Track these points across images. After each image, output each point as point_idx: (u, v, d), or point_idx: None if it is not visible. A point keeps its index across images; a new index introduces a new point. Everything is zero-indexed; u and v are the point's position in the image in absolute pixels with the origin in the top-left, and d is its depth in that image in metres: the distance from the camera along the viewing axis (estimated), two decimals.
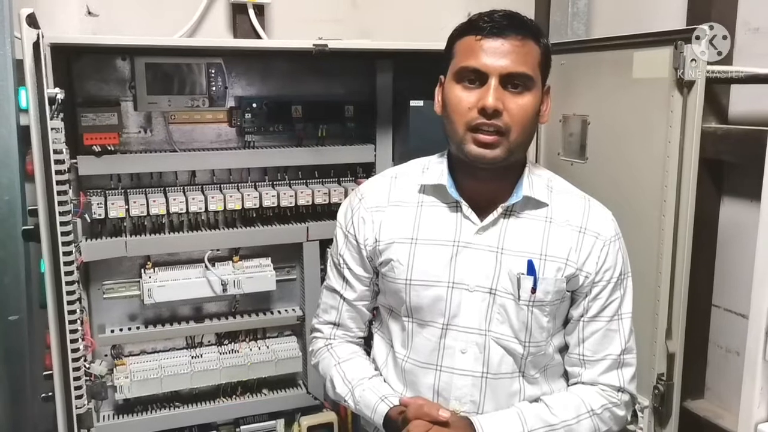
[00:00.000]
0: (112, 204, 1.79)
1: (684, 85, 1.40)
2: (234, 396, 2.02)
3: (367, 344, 1.44)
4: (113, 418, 1.92)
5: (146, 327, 1.95)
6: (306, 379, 2.07)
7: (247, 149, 1.95)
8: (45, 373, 1.44)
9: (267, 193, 1.92)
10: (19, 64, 1.46)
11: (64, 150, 1.38)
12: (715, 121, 1.70)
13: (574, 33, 2.12)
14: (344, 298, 1.39)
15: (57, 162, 1.34)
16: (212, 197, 1.87)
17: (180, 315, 2.01)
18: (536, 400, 1.30)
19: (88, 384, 1.64)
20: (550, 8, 2.19)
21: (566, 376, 1.36)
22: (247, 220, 1.97)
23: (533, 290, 1.24)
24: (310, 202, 1.97)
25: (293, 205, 1.95)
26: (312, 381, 2.03)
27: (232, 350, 2.02)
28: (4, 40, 1.64)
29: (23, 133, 1.60)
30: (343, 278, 1.38)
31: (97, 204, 1.78)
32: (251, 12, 1.96)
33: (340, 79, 2.04)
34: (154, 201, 1.83)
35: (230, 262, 1.96)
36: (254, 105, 1.93)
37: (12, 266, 1.74)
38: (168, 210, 1.84)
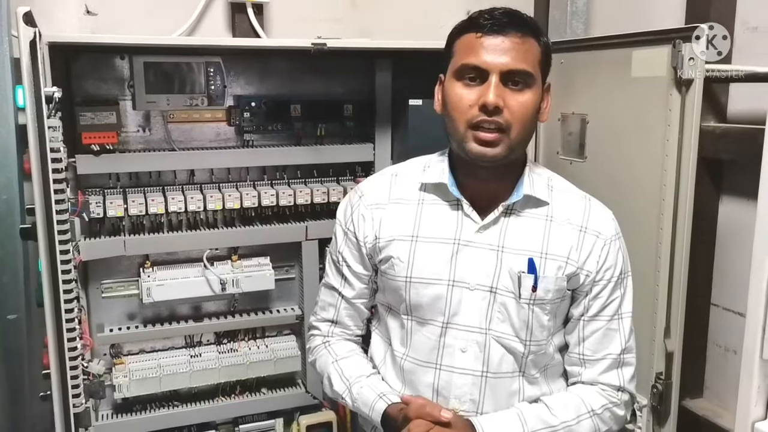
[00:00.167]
0: (111, 203, 1.79)
1: (682, 84, 1.40)
2: (233, 395, 2.02)
3: (365, 343, 1.44)
4: (112, 417, 1.92)
5: (145, 326, 1.95)
6: (305, 379, 2.07)
7: (246, 148, 1.95)
8: (43, 372, 1.44)
9: (266, 192, 1.92)
10: (17, 63, 1.46)
11: (61, 149, 1.38)
12: (714, 120, 1.69)
13: (573, 32, 2.12)
14: (342, 296, 1.39)
15: (54, 161, 1.34)
16: (211, 196, 1.87)
17: (179, 314, 2.01)
18: (536, 400, 1.30)
19: (86, 383, 1.64)
20: (549, 7, 2.19)
21: (566, 376, 1.36)
22: (245, 219, 1.97)
23: (534, 288, 1.24)
24: (309, 201, 1.96)
25: (292, 204, 1.95)
26: (311, 380, 2.03)
27: (231, 349, 2.02)
28: (2, 39, 1.64)
29: (21, 132, 1.60)
30: (342, 276, 1.38)
31: (96, 203, 1.78)
32: (250, 11, 1.96)
33: (339, 78, 2.04)
34: (152, 200, 1.83)
35: (229, 261, 1.96)
36: (253, 104, 1.92)
37: (11, 265, 1.74)
38: (167, 209, 1.84)
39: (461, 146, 1.22)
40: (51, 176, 1.34)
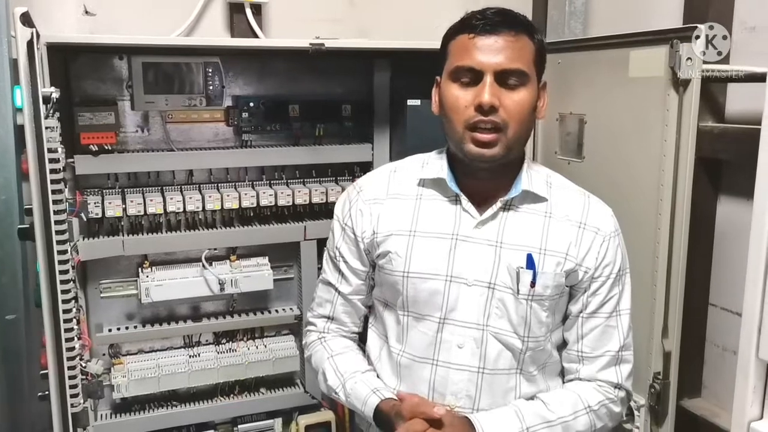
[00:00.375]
0: (110, 203, 1.79)
1: (680, 84, 1.40)
2: (231, 395, 2.02)
3: (362, 341, 1.44)
4: (111, 417, 1.92)
5: (144, 326, 1.95)
6: (304, 378, 2.07)
7: (245, 148, 1.95)
8: (41, 372, 1.44)
9: (264, 192, 1.92)
10: (16, 64, 1.46)
11: (59, 149, 1.38)
12: (712, 120, 1.70)
13: (571, 32, 2.12)
14: (339, 292, 1.39)
15: (51, 161, 1.34)
16: (209, 196, 1.87)
17: (177, 314, 2.01)
18: (532, 397, 1.30)
19: (85, 383, 1.64)
20: (547, 7, 2.19)
21: (563, 374, 1.36)
22: (244, 219, 1.97)
23: (532, 284, 1.24)
24: (308, 201, 1.97)
25: (290, 204, 1.95)
26: (310, 380, 2.03)
27: (230, 349, 2.02)
28: (1, 39, 1.64)
29: (20, 132, 1.60)
30: (339, 271, 1.38)
31: (94, 203, 1.78)
32: (248, 11, 1.96)
33: (338, 79, 2.04)
34: (151, 200, 1.83)
35: (228, 261, 1.96)
36: (251, 104, 1.93)
37: (9, 265, 1.75)
38: (165, 209, 1.84)
39: (459, 147, 1.22)
40: (48, 176, 1.34)
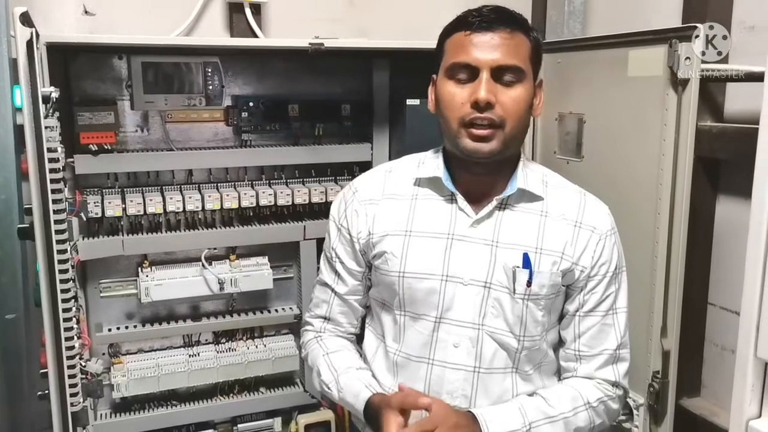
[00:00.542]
0: (109, 203, 1.79)
1: (679, 83, 1.40)
2: (231, 394, 2.03)
3: (358, 342, 1.44)
4: (110, 417, 1.92)
5: (143, 325, 1.95)
6: (303, 378, 2.07)
7: (244, 148, 1.95)
8: (41, 371, 1.45)
9: (264, 192, 1.93)
10: (15, 64, 1.46)
11: (59, 148, 1.38)
12: (711, 120, 1.70)
13: (570, 31, 2.13)
14: (335, 292, 1.39)
15: (51, 161, 1.34)
16: (209, 196, 1.88)
17: (177, 313, 2.01)
18: (531, 394, 1.30)
19: (84, 382, 1.64)
20: (546, 6, 2.20)
21: (559, 373, 1.36)
22: (244, 219, 1.97)
23: (529, 283, 1.24)
24: (307, 201, 1.97)
25: (290, 203, 1.95)
26: (309, 379, 2.03)
27: (230, 349, 2.02)
28: (1, 39, 1.65)
29: (20, 132, 1.60)
30: (335, 272, 1.39)
31: (94, 203, 1.78)
32: (248, 11, 1.96)
33: (337, 78, 2.04)
34: (151, 200, 1.83)
35: (227, 260, 1.96)
36: (251, 104, 1.93)
37: (9, 265, 1.75)
38: (165, 209, 1.84)
39: (455, 144, 1.22)
40: (48, 176, 1.34)
